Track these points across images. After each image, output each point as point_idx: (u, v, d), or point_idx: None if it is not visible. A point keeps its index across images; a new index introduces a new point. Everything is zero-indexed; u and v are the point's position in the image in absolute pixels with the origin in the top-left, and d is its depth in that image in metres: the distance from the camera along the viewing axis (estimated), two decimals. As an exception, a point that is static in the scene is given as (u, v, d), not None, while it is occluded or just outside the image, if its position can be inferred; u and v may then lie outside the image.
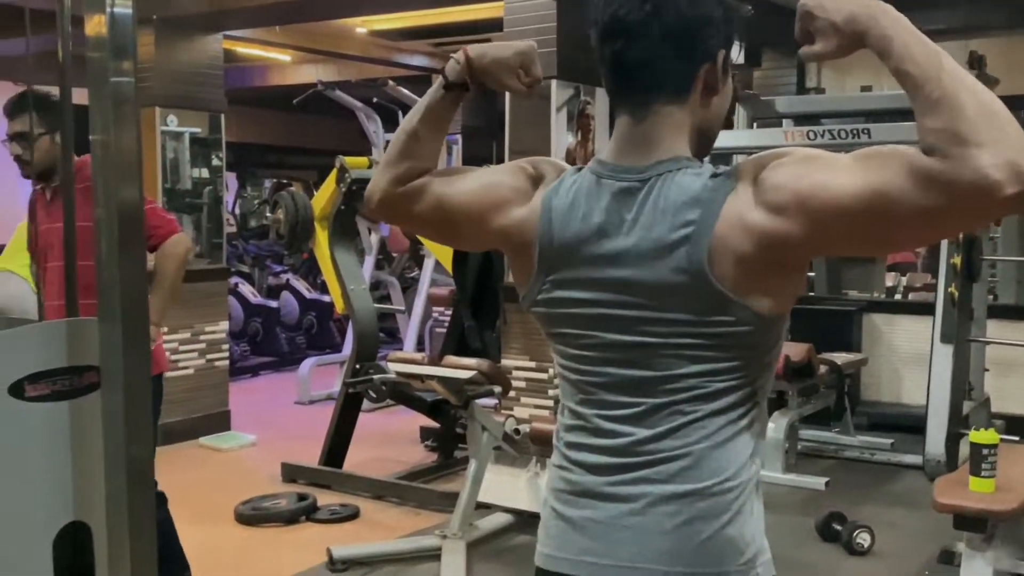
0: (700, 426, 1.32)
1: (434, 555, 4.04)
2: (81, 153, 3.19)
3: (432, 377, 4.08)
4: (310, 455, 5.47)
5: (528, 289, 1.42)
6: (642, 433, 1.33)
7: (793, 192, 1.21)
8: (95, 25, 1.57)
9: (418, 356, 4.17)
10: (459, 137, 8.48)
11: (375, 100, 7.92)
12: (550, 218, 1.38)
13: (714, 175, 1.30)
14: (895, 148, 1.16)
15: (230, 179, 12.27)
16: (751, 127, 6.66)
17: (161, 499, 3.29)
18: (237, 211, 11.67)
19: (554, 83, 4.84)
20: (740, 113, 6.58)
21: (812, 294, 7.24)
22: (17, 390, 1.52)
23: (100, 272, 1.56)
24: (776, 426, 5.33)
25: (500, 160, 5.87)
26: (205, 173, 6.64)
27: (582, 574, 1.35)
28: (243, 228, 11.15)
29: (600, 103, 5.10)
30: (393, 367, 4.25)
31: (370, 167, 4.95)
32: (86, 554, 1.62)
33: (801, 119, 6.27)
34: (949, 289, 5.01)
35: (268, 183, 12.42)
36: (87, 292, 2.97)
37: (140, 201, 1.62)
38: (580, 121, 5.00)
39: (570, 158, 4.89)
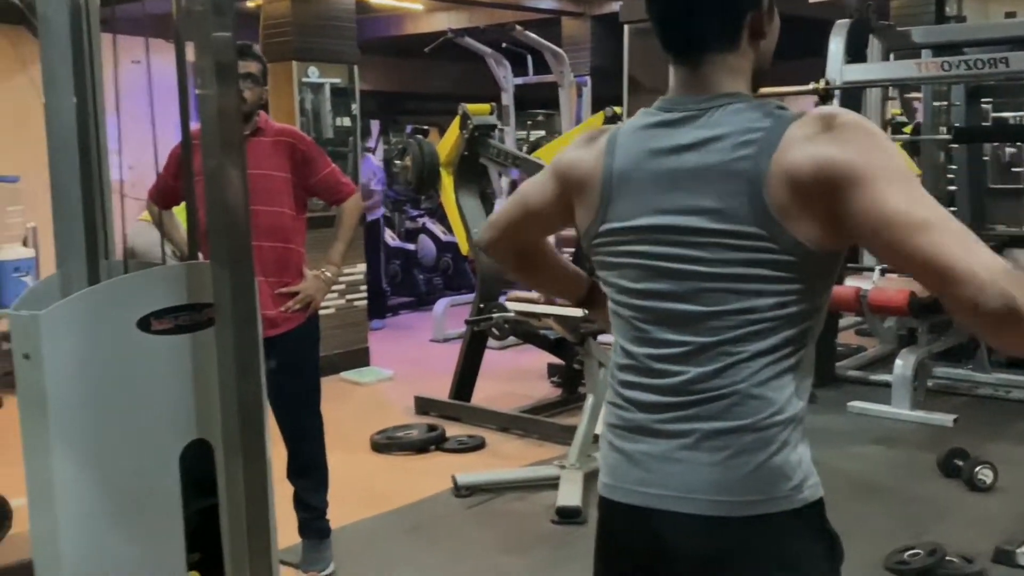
0: (746, 366, 1.36)
1: (552, 484, 4.23)
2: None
3: (547, 315, 4.24)
4: (442, 389, 5.75)
5: (589, 225, 1.48)
6: (691, 372, 1.38)
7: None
8: None
9: (535, 295, 4.32)
10: (588, 79, 8.51)
11: (504, 45, 8.04)
12: (613, 153, 1.45)
13: (779, 107, 1.37)
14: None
15: (373, 127, 12.68)
16: (886, 58, 6.46)
17: (319, 421, 3.68)
18: (382, 157, 12.05)
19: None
20: (874, 44, 6.39)
21: (953, 228, 7.00)
22: (144, 324, 1.75)
23: (210, 221, 1.76)
24: (904, 363, 5.27)
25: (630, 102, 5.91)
26: (347, 122, 6.93)
27: (636, 502, 1.42)
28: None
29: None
30: (511, 306, 4.43)
31: (491, 113, 5.10)
32: (209, 467, 1.85)
33: (939, 49, 6.03)
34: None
35: (409, 129, 12.77)
36: (271, 235, 3.28)
37: (243, 154, 1.80)
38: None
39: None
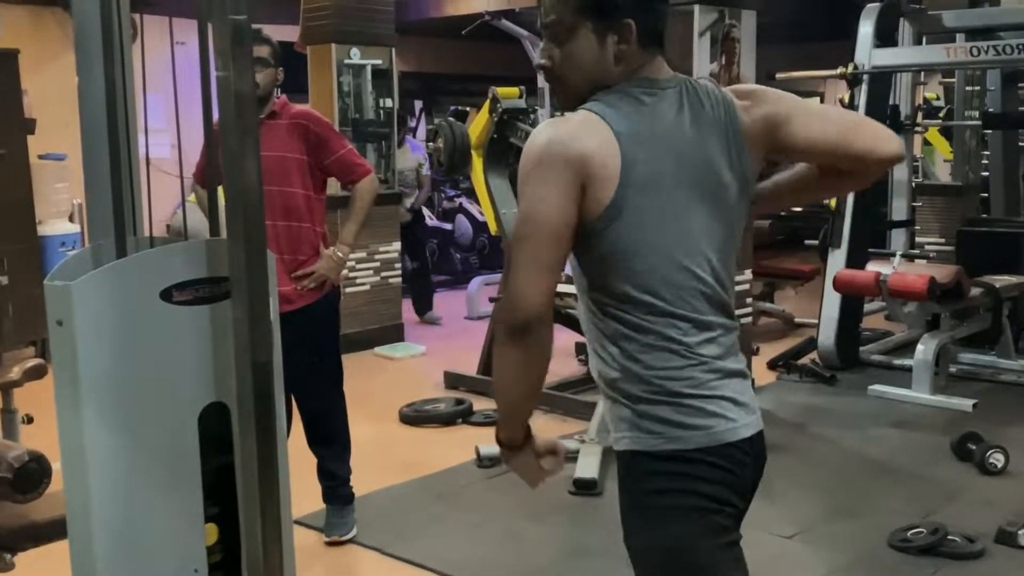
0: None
1: (572, 457, 4.37)
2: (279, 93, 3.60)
3: (572, 295, 4.35)
4: (472, 365, 5.90)
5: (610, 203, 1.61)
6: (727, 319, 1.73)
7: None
8: None
9: (561, 275, 4.43)
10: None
11: (538, 27, 8.11)
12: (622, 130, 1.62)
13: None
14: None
15: (416, 107, 12.81)
16: (919, 42, 6.46)
17: (340, 396, 3.86)
18: (424, 138, 12.19)
19: (696, 8, 4.91)
20: (905, 28, 6.39)
21: (985, 216, 7.00)
22: (167, 295, 1.89)
23: (227, 199, 1.90)
24: (925, 348, 5.32)
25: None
26: (388, 103, 7.07)
27: (749, 434, 1.69)
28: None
29: (746, 26, 5.13)
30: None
31: (520, 96, 5.20)
32: (226, 428, 2.01)
33: (972, 33, 6.02)
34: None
35: (452, 110, 12.90)
36: (284, 214, 3.40)
37: (257, 135, 1.92)
38: (724, 45, 5.06)
39: (715, 81, 4.96)
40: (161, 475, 1.94)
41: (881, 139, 1.77)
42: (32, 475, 2.13)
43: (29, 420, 3.34)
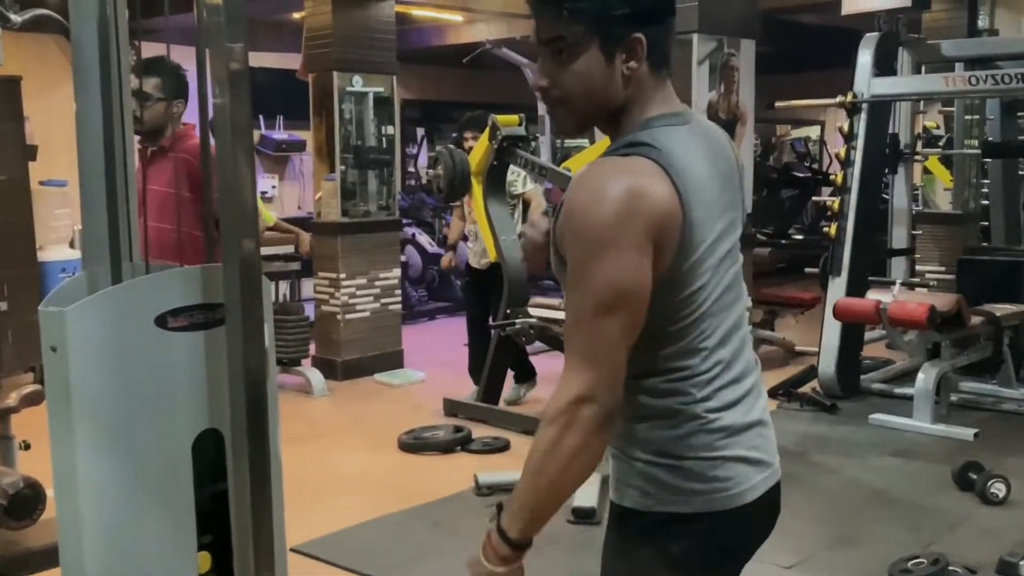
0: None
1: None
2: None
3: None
4: (471, 392, 5.88)
5: (675, 258, 1.46)
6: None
7: None
8: None
9: (556, 302, 4.43)
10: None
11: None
12: (682, 176, 1.45)
13: None
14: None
15: (418, 134, 12.86)
16: (918, 71, 6.49)
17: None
18: (426, 165, 12.24)
19: (695, 36, 4.95)
20: (904, 57, 6.42)
21: (985, 244, 7.00)
22: (161, 321, 1.89)
23: (224, 227, 1.90)
24: (926, 376, 5.30)
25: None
26: (389, 130, 7.11)
27: (771, 484, 1.61)
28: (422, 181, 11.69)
29: (745, 55, 5.16)
30: (534, 312, 4.55)
31: (520, 124, 5.23)
32: (219, 455, 2.00)
33: (971, 63, 6.05)
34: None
35: (453, 137, 12.93)
36: (167, 253, 3.33)
37: (252, 160, 1.93)
38: (724, 73, 5.08)
39: (712, 111, 4.99)
40: (154, 502, 1.93)
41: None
42: (26, 501, 2.12)
43: (26, 447, 3.33)
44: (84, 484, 1.83)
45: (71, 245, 6.84)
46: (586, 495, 4.18)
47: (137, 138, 3.72)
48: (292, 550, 2.76)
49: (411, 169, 11.81)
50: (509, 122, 5.12)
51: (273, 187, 10.01)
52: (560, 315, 4.40)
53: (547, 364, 6.47)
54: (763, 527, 1.65)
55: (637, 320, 1.43)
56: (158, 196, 3.38)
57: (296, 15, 7.60)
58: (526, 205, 5.82)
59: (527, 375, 5.95)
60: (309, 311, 6.72)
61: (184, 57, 2.07)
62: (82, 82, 1.95)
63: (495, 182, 5.27)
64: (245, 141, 1.89)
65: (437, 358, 7.36)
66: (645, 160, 1.44)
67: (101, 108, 1.92)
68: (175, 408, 1.93)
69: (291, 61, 7.66)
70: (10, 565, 2.30)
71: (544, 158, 7.30)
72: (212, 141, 2.20)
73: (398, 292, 7.13)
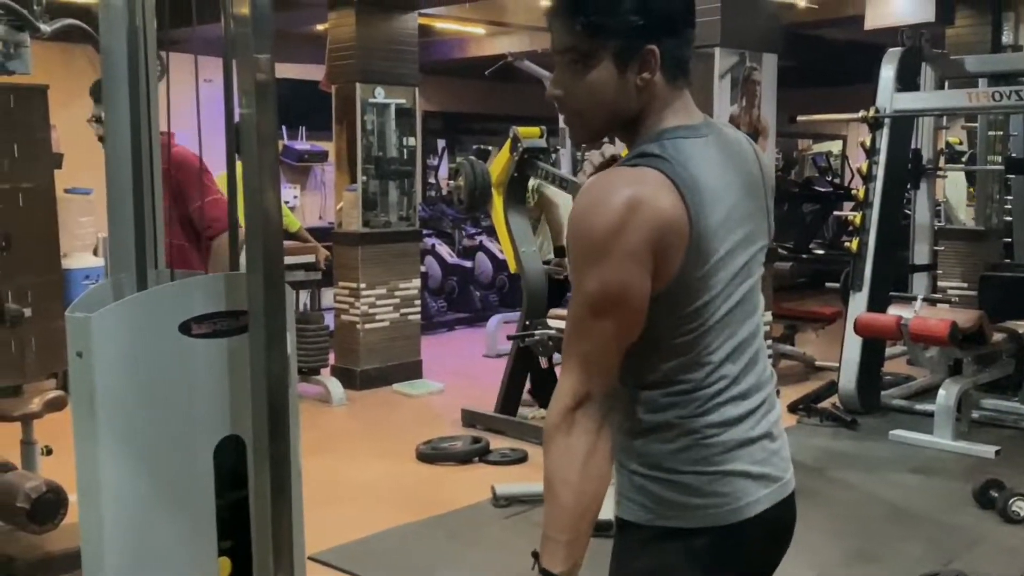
0: None
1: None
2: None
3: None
4: (490, 403, 5.88)
5: (682, 268, 1.45)
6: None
7: None
8: (239, 4, 1.82)
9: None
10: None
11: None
12: (692, 185, 1.44)
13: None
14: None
15: (439, 146, 12.90)
16: (941, 87, 6.47)
17: None
18: (446, 176, 12.28)
19: (717, 50, 4.94)
20: (927, 72, 6.40)
21: (1008, 260, 6.96)
22: (185, 328, 1.91)
23: (248, 235, 1.92)
24: (947, 393, 5.27)
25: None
26: (411, 142, 7.15)
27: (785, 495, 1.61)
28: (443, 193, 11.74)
29: (767, 69, 5.16)
30: (552, 323, 4.56)
31: (541, 136, 5.25)
32: (241, 461, 2.01)
33: (995, 78, 6.03)
34: None
35: (474, 149, 12.98)
36: None
37: (277, 170, 1.95)
38: (745, 87, 5.08)
39: (733, 125, 4.98)
40: (176, 507, 1.94)
41: None
42: (49, 506, 2.14)
43: (48, 452, 3.36)
44: (107, 487, 1.85)
45: (95, 253, 6.90)
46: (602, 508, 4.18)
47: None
48: (309, 558, 2.77)
49: (431, 180, 11.86)
50: (530, 134, 5.14)
51: (295, 197, 10.08)
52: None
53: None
54: (771, 543, 1.61)
55: (631, 325, 1.45)
56: None
57: (320, 27, 7.65)
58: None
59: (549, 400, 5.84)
60: (329, 321, 6.75)
61: (212, 68, 2.09)
62: (111, 92, 1.98)
63: (515, 194, 5.28)
64: (271, 151, 1.91)
65: (456, 369, 7.37)
66: (652, 171, 1.44)
67: (129, 118, 1.95)
68: (198, 414, 1.95)
69: (314, 72, 7.71)
70: (32, 568, 2.33)
71: (564, 170, 7.32)
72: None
73: (417, 302, 7.15)
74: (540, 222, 6.24)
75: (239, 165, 1.95)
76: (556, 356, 5.67)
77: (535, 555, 1.52)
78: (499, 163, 5.34)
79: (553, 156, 5.48)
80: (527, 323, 5.24)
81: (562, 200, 5.83)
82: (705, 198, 1.45)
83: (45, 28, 2.20)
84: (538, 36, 8.68)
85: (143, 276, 1.99)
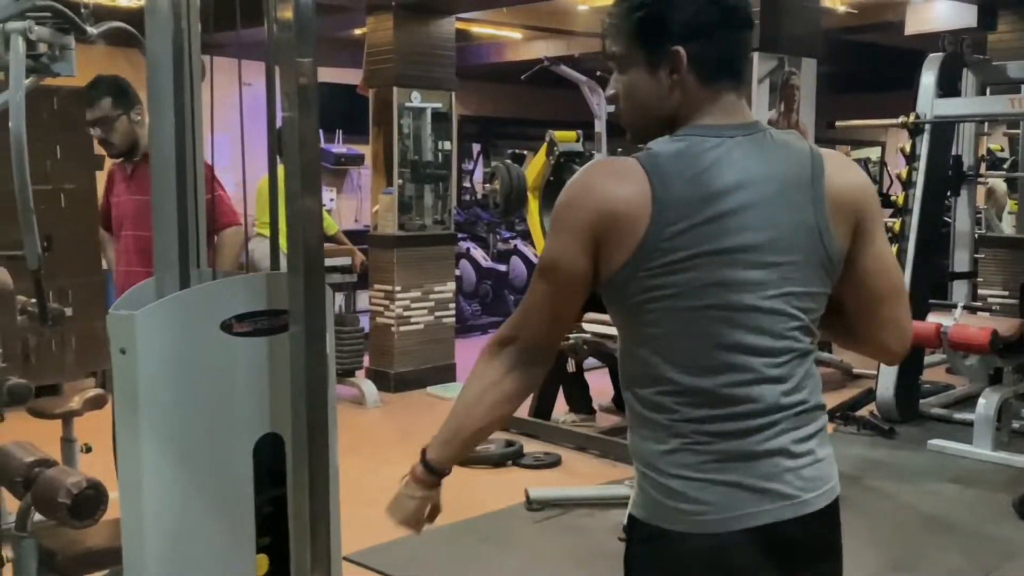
0: None
1: (622, 503, 4.32)
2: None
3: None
4: (523, 407, 5.87)
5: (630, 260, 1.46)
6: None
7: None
8: (283, 9, 1.84)
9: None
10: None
11: (598, 73, 8.19)
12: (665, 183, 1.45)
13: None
14: None
15: (475, 150, 12.96)
16: (982, 92, 6.39)
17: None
18: (481, 180, 12.33)
19: (756, 55, 4.92)
20: (968, 78, 6.33)
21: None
22: (227, 327, 1.93)
23: (290, 236, 1.94)
24: (987, 402, 5.20)
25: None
26: (446, 146, 7.18)
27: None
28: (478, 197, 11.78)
29: (806, 74, 5.13)
30: (586, 327, 4.55)
31: (577, 140, 5.26)
32: (279, 459, 2.03)
33: (1039, 85, 5.95)
34: None
35: (509, 153, 13.03)
36: (141, 258, 3.37)
37: (318, 170, 1.96)
38: (784, 92, 5.06)
39: (771, 129, 4.96)
40: (216, 504, 1.96)
41: (902, 329, 1.69)
42: (90, 502, 2.17)
43: (88, 449, 3.41)
44: (149, 483, 1.87)
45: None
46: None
47: (115, 161, 3.79)
48: (343, 558, 2.78)
49: (466, 184, 11.90)
50: (567, 138, 5.15)
51: (331, 200, 10.15)
52: (611, 330, 4.39)
53: (599, 381, 6.41)
54: (773, 561, 1.52)
55: (565, 297, 1.54)
56: (137, 205, 3.46)
57: (358, 31, 7.71)
58: None
59: (582, 405, 5.82)
60: (363, 323, 6.78)
61: (251, 72, 2.11)
62: (155, 95, 2.00)
63: (551, 197, 5.28)
64: (312, 154, 1.93)
65: (489, 372, 7.36)
66: (629, 160, 1.48)
67: (173, 119, 1.97)
68: (238, 411, 1.97)
69: (351, 76, 7.77)
70: (73, 563, 2.36)
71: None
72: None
73: (452, 306, 7.17)
74: None
75: (280, 168, 1.96)
76: (590, 361, 5.66)
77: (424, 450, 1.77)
78: (535, 167, 5.34)
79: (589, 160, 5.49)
80: (561, 327, 5.24)
81: None
82: (685, 195, 1.44)
83: (92, 31, 2.23)
84: (575, 40, 8.69)
85: (186, 275, 2.02)
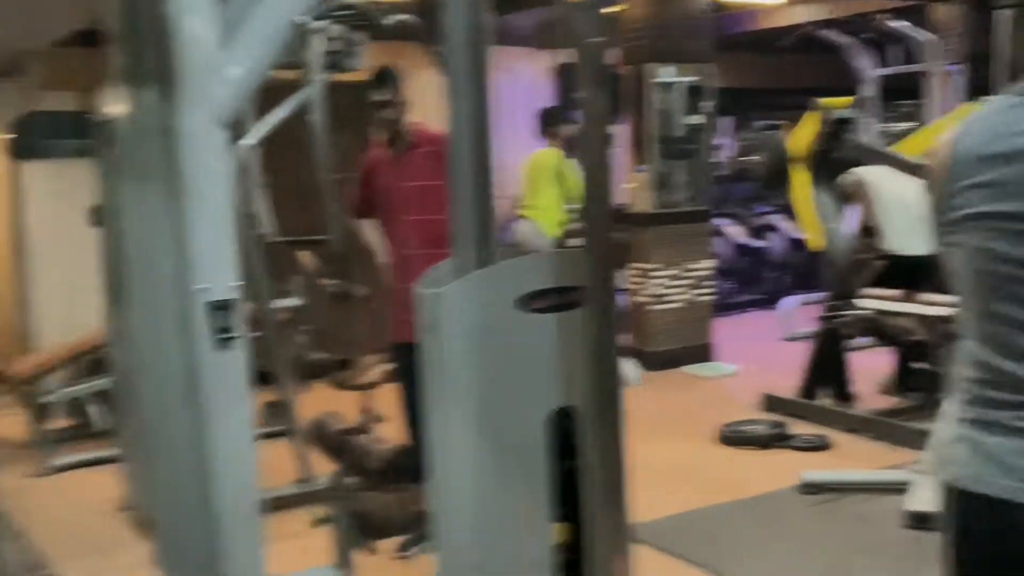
0: None
1: (899, 489, 4.11)
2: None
3: (903, 314, 4.12)
4: (787, 387, 5.70)
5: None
6: None
7: None
8: None
9: (892, 292, 4.20)
10: (960, 66, 8.01)
11: (863, 36, 7.78)
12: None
13: None
14: None
15: (726, 124, 12.63)
16: None
17: None
18: (734, 155, 11.99)
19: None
20: None
21: None
22: (522, 303, 2.00)
23: (586, 215, 1.98)
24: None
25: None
26: (696, 120, 7.05)
27: None
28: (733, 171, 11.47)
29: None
30: (867, 304, 4.34)
31: (850, 106, 5.01)
32: (572, 433, 2.08)
33: None
34: None
35: (761, 125, 12.59)
36: (440, 242, 3.44)
37: (611, 151, 1.99)
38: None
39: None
40: (514, 474, 2.04)
41: None
42: (399, 469, 2.31)
43: (378, 420, 3.64)
44: (454, 452, 1.98)
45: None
46: (922, 499, 3.95)
47: (379, 149, 3.91)
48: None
49: (719, 159, 11.63)
50: (841, 104, 4.91)
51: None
52: (895, 307, 4.17)
53: (868, 360, 6.05)
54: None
55: None
56: (423, 191, 3.58)
57: (611, 9, 7.70)
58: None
59: (837, 387, 5.49)
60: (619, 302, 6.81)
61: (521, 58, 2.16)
62: (455, 84, 2.06)
63: (823, 168, 5.07)
64: (605, 133, 1.96)
65: (747, 352, 7.21)
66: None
67: (473, 106, 2.03)
68: (533, 385, 2.03)
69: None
70: (383, 524, 2.53)
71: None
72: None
73: (709, 283, 7.06)
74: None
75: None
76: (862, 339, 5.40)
77: None
78: (802, 137, 5.14)
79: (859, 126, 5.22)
80: (835, 303, 5.03)
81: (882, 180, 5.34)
82: (963, 154, 1.42)
83: (386, 22, 2.36)
84: (839, 4, 8.29)
85: (484, 253, 2.10)
